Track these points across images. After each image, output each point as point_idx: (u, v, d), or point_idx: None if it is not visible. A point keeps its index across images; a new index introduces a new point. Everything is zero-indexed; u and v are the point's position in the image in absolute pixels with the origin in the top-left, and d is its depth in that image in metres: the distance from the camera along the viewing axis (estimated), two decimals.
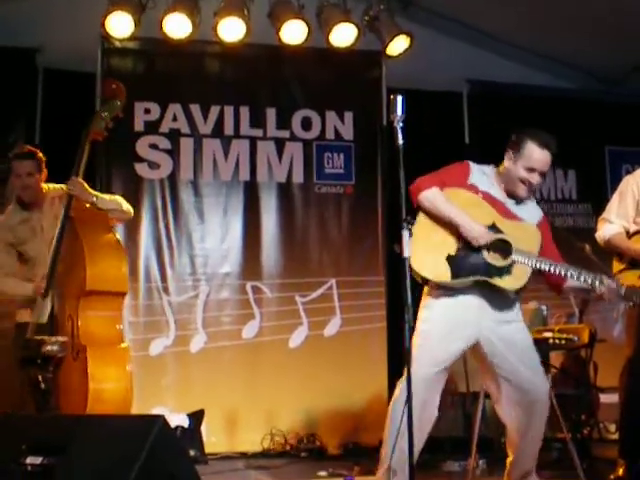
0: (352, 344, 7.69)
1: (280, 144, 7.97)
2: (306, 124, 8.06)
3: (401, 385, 4.30)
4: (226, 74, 8.03)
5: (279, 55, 8.00)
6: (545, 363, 6.06)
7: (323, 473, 5.86)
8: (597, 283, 4.30)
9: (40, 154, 5.37)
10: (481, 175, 4.56)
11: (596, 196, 8.51)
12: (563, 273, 4.35)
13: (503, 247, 4.34)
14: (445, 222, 4.38)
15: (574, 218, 8.87)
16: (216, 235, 7.72)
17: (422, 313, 4.46)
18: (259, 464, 6.62)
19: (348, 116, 8.08)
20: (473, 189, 4.49)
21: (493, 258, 4.32)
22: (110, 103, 5.11)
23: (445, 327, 4.39)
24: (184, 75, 7.87)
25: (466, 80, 8.70)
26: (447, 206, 4.37)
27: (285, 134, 8.01)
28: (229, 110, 7.90)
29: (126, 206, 5.34)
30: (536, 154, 4.40)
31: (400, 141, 3.92)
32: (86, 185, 5.05)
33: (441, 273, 4.34)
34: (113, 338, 4.80)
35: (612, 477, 4.99)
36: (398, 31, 7.73)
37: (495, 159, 4.58)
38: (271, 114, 8.00)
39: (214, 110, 7.86)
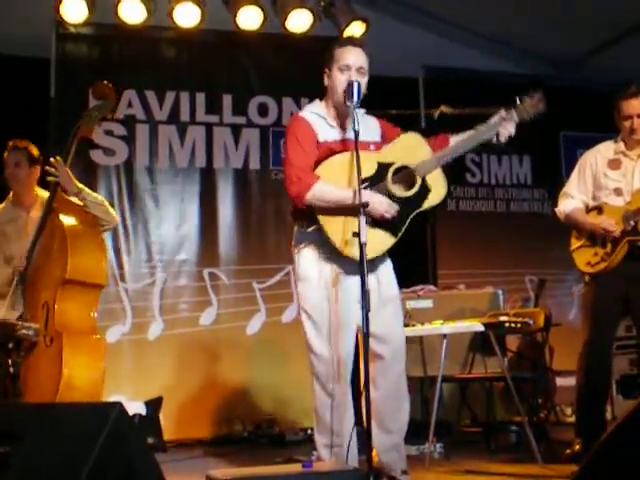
0: None
1: (236, 130, 7.96)
2: (262, 110, 8.05)
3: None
4: (182, 60, 7.98)
5: (235, 41, 8.00)
6: (502, 347, 6.14)
7: (281, 459, 5.85)
8: (499, 128, 4.28)
9: (32, 149, 5.28)
10: (317, 119, 4.33)
11: (551, 181, 8.61)
12: (463, 151, 4.31)
13: (406, 175, 4.19)
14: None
15: (529, 203, 8.95)
16: (172, 222, 7.69)
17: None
18: (218, 451, 6.61)
19: (304, 102, 7.93)
20: (328, 147, 4.24)
21: (407, 191, 4.16)
22: (101, 104, 5.07)
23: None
24: (139, 61, 7.81)
25: (422, 66, 8.73)
26: (338, 193, 4.05)
27: (241, 120, 7.99)
28: (185, 96, 7.86)
29: (111, 209, 5.24)
30: (345, 51, 4.28)
31: (357, 127, 3.91)
32: (72, 177, 4.99)
33: (382, 243, 4.18)
34: (88, 328, 4.79)
35: (568, 451, 5.07)
36: (354, 17, 7.74)
37: None
38: (227, 100, 7.97)
39: (170, 96, 7.82)
